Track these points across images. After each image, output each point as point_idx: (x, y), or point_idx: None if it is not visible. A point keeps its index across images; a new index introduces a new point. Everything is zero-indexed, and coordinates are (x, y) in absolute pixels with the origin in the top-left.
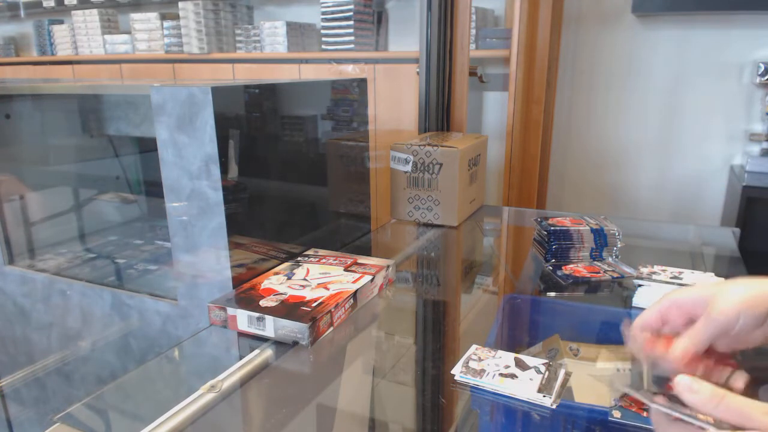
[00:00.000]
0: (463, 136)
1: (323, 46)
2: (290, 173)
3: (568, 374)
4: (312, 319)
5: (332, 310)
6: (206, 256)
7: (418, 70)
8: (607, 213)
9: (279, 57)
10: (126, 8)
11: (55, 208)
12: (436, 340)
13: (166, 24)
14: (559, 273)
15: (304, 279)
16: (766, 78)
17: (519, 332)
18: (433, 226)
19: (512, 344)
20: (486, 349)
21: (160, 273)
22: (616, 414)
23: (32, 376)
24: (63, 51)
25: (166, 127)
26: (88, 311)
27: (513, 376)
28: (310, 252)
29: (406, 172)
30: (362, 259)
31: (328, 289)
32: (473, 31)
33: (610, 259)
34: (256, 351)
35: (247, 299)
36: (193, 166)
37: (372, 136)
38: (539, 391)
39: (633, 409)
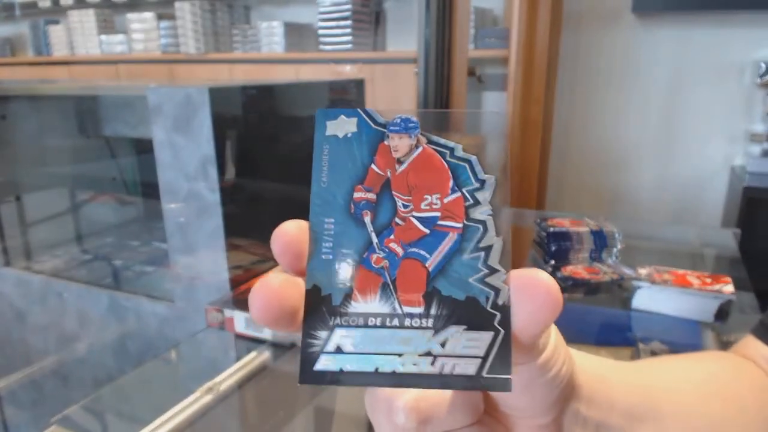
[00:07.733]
0: (462, 137)
1: (321, 46)
2: (288, 174)
3: None
4: None
5: None
6: (203, 257)
7: (416, 70)
8: (607, 214)
9: (276, 57)
10: (122, 8)
11: (51, 210)
12: None
13: (162, 24)
14: (558, 275)
15: None
16: (767, 78)
17: None
18: None
19: None
20: None
21: (157, 274)
22: None
23: (29, 378)
24: (59, 51)
25: (162, 129)
26: (84, 313)
27: None
28: None
29: None
30: None
31: None
32: (472, 31)
33: (609, 260)
34: (254, 353)
35: (245, 301)
36: (190, 168)
37: None
38: None
39: None
